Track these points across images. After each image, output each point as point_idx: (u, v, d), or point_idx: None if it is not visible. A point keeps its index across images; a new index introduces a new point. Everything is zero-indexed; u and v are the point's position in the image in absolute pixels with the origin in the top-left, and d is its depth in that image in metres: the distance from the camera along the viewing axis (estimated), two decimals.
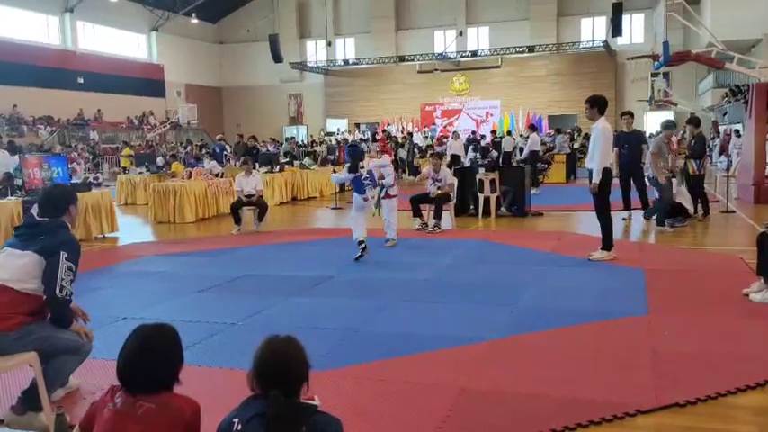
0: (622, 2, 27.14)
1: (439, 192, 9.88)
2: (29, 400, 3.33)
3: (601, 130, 6.97)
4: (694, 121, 10.64)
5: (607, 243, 7.21)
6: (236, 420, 2.01)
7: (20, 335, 3.26)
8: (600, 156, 6.92)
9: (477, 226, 10.49)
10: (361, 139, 27.30)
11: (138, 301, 6.04)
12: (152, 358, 2.20)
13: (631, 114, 10.55)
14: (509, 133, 22.02)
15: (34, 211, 3.87)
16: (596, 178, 6.94)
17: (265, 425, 1.95)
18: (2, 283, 3.27)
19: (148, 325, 2.30)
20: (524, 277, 6.54)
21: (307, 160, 17.57)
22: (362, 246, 7.55)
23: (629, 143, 10.02)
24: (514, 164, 15.89)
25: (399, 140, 23.96)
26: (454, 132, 23.54)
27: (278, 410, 1.96)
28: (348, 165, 8.14)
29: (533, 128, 19.71)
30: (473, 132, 26.00)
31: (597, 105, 7.04)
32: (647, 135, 27.30)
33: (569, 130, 28.16)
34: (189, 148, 24.69)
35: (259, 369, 2.06)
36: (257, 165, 14.23)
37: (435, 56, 32.92)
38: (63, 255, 3.28)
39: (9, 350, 3.26)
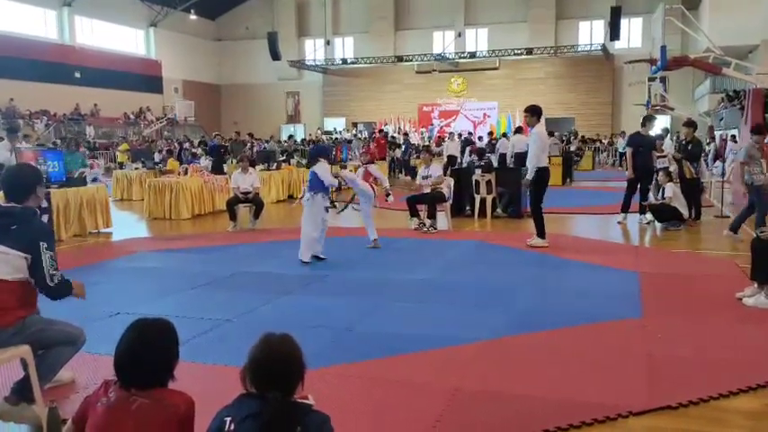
0: (621, 6, 27.22)
1: (431, 186, 9.88)
2: (22, 391, 3.32)
3: (538, 134, 8.06)
4: (691, 124, 10.69)
5: (540, 232, 8.21)
6: (228, 419, 1.99)
7: (16, 330, 3.25)
8: (533, 157, 7.98)
9: (472, 227, 10.50)
10: (355, 136, 27.32)
11: (132, 297, 6.03)
12: (149, 352, 2.19)
13: (654, 118, 10.60)
14: (504, 135, 22.00)
15: None
16: (530, 176, 8.02)
17: (260, 426, 1.93)
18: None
19: (147, 319, 2.29)
20: (519, 278, 6.55)
21: (297, 159, 17.58)
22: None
23: (643, 146, 10.08)
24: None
25: (396, 141, 23.98)
26: (451, 133, 23.55)
27: (275, 413, 1.94)
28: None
29: (519, 130, 19.75)
30: (469, 133, 26.01)
31: (536, 114, 8.09)
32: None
33: (566, 133, 28.21)
34: (187, 144, 24.66)
35: (255, 368, 2.03)
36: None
37: (434, 56, 32.90)
38: (42, 245, 3.26)
39: (5, 345, 3.25)
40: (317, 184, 7.45)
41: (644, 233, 9.62)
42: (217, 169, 14.39)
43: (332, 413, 2.09)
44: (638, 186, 10.13)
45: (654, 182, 10.47)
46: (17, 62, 25.48)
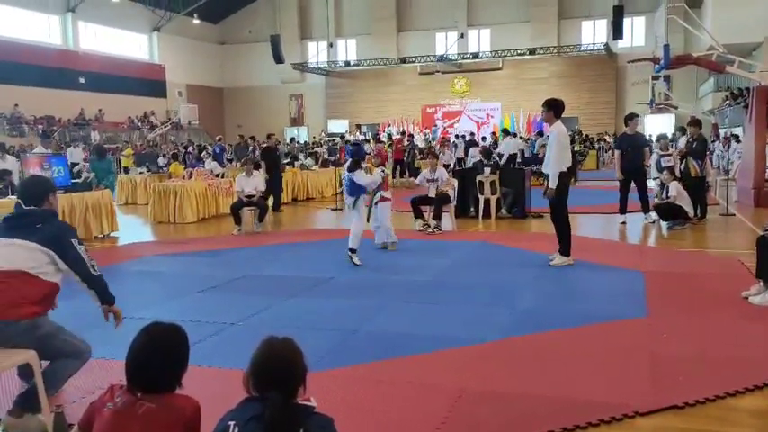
0: (623, 5, 27.18)
1: (438, 191, 9.86)
2: (26, 402, 3.31)
3: (557, 135, 6.86)
4: (696, 123, 10.70)
5: (565, 248, 7.05)
6: (231, 423, 1.99)
7: (29, 326, 3.28)
8: (555, 161, 6.81)
9: (477, 227, 10.49)
10: (363, 140, 27.31)
11: (137, 301, 6.04)
12: (160, 356, 2.21)
13: (636, 116, 10.51)
14: (512, 134, 22.12)
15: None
16: (552, 184, 6.82)
17: (263, 427, 1.94)
18: (14, 269, 3.30)
19: (161, 323, 2.30)
20: (524, 279, 6.54)
21: (309, 161, 17.62)
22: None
23: (633, 146, 10.04)
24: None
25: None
26: (445, 139, 23.66)
27: (276, 413, 1.95)
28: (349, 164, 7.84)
29: (507, 132, 19.91)
30: (471, 134, 25.99)
31: (554, 108, 6.89)
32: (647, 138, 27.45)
33: (570, 132, 28.16)
34: (191, 148, 24.72)
35: (256, 371, 2.05)
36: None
37: (436, 57, 32.91)
38: (75, 241, 3.43)
39: (15, 340, 3.26)
40: (356, 190, 7.47)
41: (649, 232, 9.60)
42: (271, 172, 13.36)
43: (338, 415, 2.10)
44: (632, 186, 10.08)
45: (658, 180, 10.45)
46: (22, 68, 25.60)
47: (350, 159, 7.81)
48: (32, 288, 3.32)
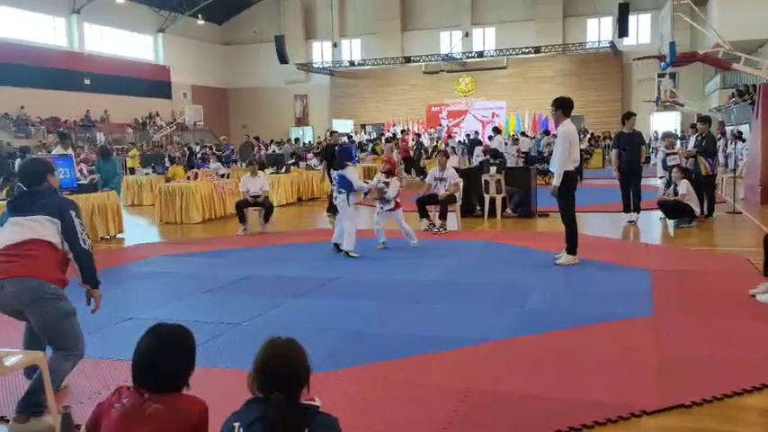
0: (629, 2, 27.08)
1: (446, 192, 9.85)
2: (28, 406, 3.31)
3: (563, 133, 6.90)
4: (706, 120, 10.66)
5: (571, 247, 7.09)
6: (236, 425, 1.99)
7: (56, 292, 3.40)
8: (560, 159, 6.86)
9: (483, 227, 10.48)
10: (368, 139, 27.32)
11: (144, 302, 6.07)
12: (167, 357, 2.21)
13: (633, 115, 10.45)
14: (523, 134, 22.15)
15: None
16: (556, 181, 6.93)
17: (267, 428, 1.94)
18: (36, 237, 3.43)
19: (167, 324, 2.31)
20: (530, 278, 6.53)
21: (314, 161, 17.64)
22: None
23: (630, 144, 9.99)
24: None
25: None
26: (447, 145, 23.73)
27: (279, 413, 1.95)
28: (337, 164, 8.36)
29: (497, 130, 19.90)
30: (476, 133, 25.93)
31: (562, 107, 6.91)
32: (654, 135, 27.34)
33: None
34: (200, 149, 24.74)
35: (260, 372, 2.04)
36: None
37: (441, 57, 32.88)
38: (72, 213, 3.54)
39: (43, 300, 3.35)
40: (346, 185, 7.97)
41: (655, 230, 9.56)
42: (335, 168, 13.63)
43: (343, 415, 2.10)
44: (630, 184, 10.01)
45: (667, 179, 10.41)
46: (27, 70, 25.72)
47: (339, 159, 8.29)
48: (54, 253, 3.45)
